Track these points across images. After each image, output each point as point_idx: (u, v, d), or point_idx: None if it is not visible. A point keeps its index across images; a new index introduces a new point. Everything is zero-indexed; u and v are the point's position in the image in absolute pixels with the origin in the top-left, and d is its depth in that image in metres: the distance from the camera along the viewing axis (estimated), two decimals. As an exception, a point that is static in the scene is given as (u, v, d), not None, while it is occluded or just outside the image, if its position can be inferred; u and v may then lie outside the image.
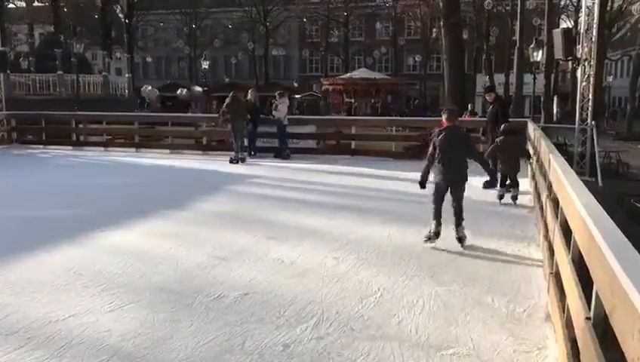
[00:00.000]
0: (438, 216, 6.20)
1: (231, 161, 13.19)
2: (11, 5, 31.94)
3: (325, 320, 4.21)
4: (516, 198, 8.52)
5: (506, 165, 8.59)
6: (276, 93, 14.84)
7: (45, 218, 7.72)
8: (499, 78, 41.78)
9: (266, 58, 55.17)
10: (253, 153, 14.15)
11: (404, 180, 10.74)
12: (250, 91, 14.66)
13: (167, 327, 4.11)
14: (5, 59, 18.99)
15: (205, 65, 47.50)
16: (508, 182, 8.68)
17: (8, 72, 23.25)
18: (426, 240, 6.17)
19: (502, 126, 8.87)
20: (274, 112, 14.28)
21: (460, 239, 6.14)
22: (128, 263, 5.64)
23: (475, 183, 9.69)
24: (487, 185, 8.52)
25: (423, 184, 6.31)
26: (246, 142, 13.86)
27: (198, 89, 46.85)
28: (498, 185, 8.48)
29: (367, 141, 15.47)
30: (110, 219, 7.47)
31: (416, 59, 52.14)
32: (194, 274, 5.30)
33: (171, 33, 58.71)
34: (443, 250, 6.07)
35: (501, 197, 8.58)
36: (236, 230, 6.97)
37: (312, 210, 8.17)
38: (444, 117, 6.45)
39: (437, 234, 6.18)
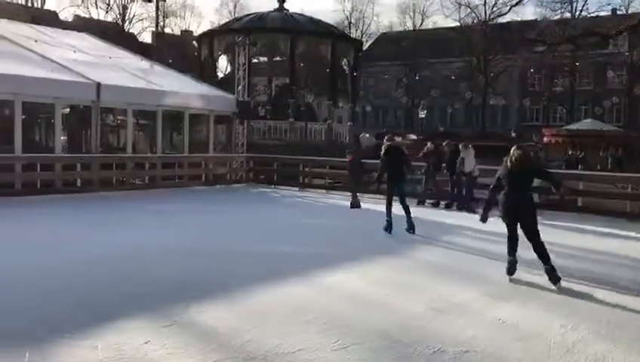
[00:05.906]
0: None
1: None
2: (255, 60, 36.33)
3: (554, 393, 3.91)
4: None
5: None
6: (460, 145, 13.81)
7: (274, 254, 8.44)
8: None
9: (483, 107, 54.30)
10: (467, 205, 13.84)
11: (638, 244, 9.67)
12: (446, 142, 14.63)
13: (388, 374, 4.19)
14: (249, 108, 21.51)
15: (422, 114, 48.28)
16: None
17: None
18: None
19: None
20: (461, 168, 13.56)
21: None
22: (348, 304, 5.90)
23: None
24: None
25: None
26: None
27: (413, 137, 47.64)
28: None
29: (596, 198, 14.20)
30: (328, 259, 7.90)
31: (655, 109, 46.82)
32: (412, 323, 5.33)
33: (391, 83, 61.05)
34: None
35: None
36: (454, 283, 6.87)
37: (534, 270, 7.68)
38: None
39: None
